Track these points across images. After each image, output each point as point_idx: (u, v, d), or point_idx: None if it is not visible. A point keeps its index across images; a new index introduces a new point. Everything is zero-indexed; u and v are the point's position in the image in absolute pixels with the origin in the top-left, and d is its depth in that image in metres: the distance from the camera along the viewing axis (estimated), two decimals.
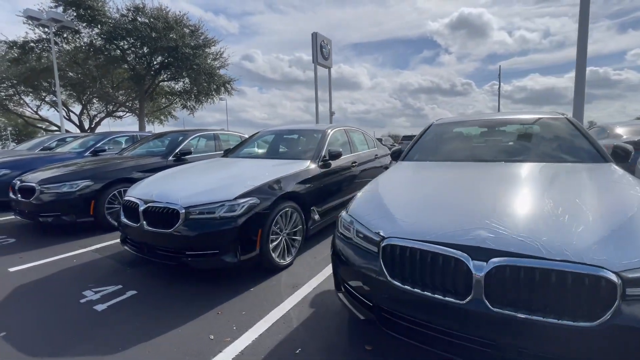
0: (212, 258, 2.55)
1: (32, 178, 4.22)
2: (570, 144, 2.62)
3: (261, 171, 3.18)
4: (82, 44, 17.92)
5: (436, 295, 1.36)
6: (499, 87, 32.10)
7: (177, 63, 17.57)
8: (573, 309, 1.17)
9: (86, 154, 6.46)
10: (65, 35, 17.47)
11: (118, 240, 3.26)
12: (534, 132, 3.04)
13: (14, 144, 48.36)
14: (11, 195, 4.37)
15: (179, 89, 21.49)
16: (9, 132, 47.69)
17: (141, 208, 2.73)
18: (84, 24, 16.89)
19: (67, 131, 22.19)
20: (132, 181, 4.48)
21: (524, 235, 1.33)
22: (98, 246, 3.74)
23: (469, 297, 1.29)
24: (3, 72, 18.08)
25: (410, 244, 1.47)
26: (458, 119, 3.66)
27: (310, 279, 2.78)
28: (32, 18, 14.84)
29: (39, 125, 24.55)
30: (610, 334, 1.12)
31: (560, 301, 1.18)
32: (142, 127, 20.63)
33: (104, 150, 6.63)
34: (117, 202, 4.35)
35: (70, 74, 18.85)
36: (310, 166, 3.55)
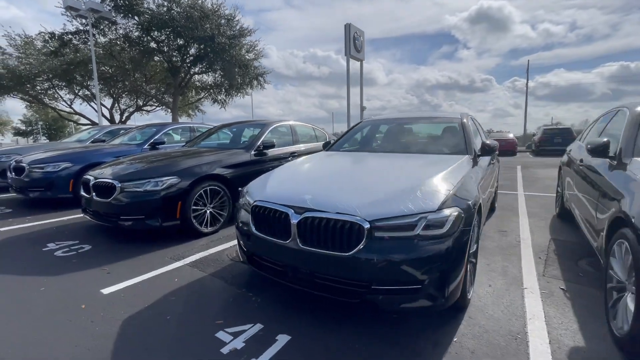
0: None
1: (110, 174, 3.55)
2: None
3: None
4: (118, 35, 17.60)
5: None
6: (527, 83, 30.01)
7: (213, 54, 16.97)
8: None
9: (145, 147, 5.91)
10: (102, 27, 17.11)
11: (213, 250, 3.28)
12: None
13: (45, 138, 49.91)
14: (82, 192, 3.77)
15: (210, 82, 20.94)
16: (39, 126, 49.10)
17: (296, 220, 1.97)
18: (121, 15, 16.46)
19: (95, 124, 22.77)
20: (219, 179, 3.83)
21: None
22: (193, 259, 3.07)
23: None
24: (39, 65, 17.83)
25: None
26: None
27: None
28: (71, 8, 14.55)
29: (70, 120, 24.99)
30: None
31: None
32: (175, 121, 20.40)
33: (163, 143, 6.11)
34: (201, 202, 3.67)
35: (103, 67, 18.67)
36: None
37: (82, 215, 4.03)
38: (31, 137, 50.67)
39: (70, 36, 17.18)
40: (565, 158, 4.31)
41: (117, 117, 24.93)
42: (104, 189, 3.44)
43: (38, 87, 19.77)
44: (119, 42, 17.74)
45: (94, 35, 16.67)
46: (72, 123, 25.54)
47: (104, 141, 7.30)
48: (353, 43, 16.01)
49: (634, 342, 1.58)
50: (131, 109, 25.16)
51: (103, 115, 24.32)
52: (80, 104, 23.74)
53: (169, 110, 26.12)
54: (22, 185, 5.01)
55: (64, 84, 19.91)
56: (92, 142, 7.48)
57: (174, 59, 18.22)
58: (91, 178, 3.63)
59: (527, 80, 30.09)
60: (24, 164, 5.04)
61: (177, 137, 6.87)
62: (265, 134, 4.77)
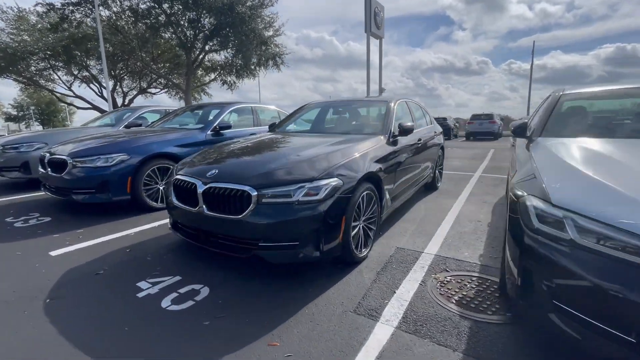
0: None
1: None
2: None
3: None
4: (123, 8, 16.20)
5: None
6: (532, 65, 28.92)
7: (231, 27, 15.49)
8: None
9: (209, 132, 4.73)
10: None
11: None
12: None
13: (37, 123, 47.83)
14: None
15: (221, 62, 19.66)
16: (31, 111, 47.27)
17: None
18: None
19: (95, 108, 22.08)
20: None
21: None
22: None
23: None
24: (34, 42, 16.16)
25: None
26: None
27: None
28: None
29: (65, 103, 23.95)
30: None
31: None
32: (188, 103, 19.01)
33: (229, 127, 4.87)
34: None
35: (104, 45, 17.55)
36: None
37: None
38: (23, 123, 48.64)
39: (71, 7, 15.57)
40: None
41: (119, 101, 24.19)
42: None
43: (33, 68, 18.44)
44: (123, 16, 16.41)
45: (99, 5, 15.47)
46: (66, 107, 24.60)
47: (140, 125, 5.95)
48: (374, 19, 14.68)
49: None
50: (134, 92, 24.27)
51: (103, 97, 23.52)
52: (79, 85, 22.74)
53: (177, 92, 24.78)
54: (62, 185, 3.72)
55: (61, 64, 18.76)
56: (127, 126, 5.95)
57: (188, 33, 16.79)
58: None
59: (532, 62, 28.80)
60: (64, 157, 3.70)
61: (236, 119, 5.60)
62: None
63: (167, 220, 3.59)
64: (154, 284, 2.26)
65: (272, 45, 17.50)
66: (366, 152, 2.72)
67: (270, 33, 17.37)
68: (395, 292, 2.17)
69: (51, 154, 3.83)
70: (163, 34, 17.10)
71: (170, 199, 2.58)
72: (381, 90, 16.71)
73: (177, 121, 5.65)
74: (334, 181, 2.22)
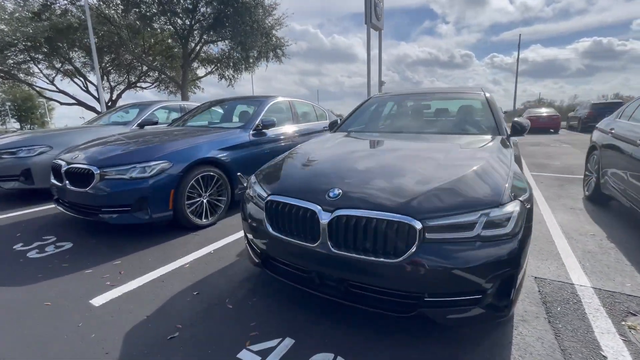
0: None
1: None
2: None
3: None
4: None
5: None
6: (518, 59, 29.25)
7: (234, 17, 14.36)
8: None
9: (252, 132, 4.01)
10: None
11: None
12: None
13: (14, 120, 44.62)
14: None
15: (217, 54, 18.37)
16: (7, 107, 44.17)
17: None
18: None
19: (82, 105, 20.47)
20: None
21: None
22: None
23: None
24: (12, 32, 14.35)
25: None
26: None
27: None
28: None
29: (48, 98, 22.52)
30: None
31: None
32: (185, 98, 17.89)
33: (273, 125, 4.14)
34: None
35: (87, 38, 15.84)
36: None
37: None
38: None
39: None
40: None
41: (105, 96, 22.85)
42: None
43: (10, 61, 16.86)
44: (112, 4, 15.14)
45: None
46: (45, 103, 23.07)
47: (155, 123, 5.24)
48: (374, 10, 14.05)
49: None
50: (121, 86, 22.78)
51: (89, 92, 22.17)
52: (61, 80, 21.10)
53: (168, 86, 23.50)
54: (88, 202, 2.90)
55: (41, 56, 17.26)
56: (140, 125, 5.26)
57: (185, 22, 15.59)
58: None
59: (518, 56, 29.12)
60: (89, 167, 2.88)
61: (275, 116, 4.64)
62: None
63: (222, 244, 2.92)
64: (261, 354, 1.59)
65: (273, 37, 16.53)
66: (511, 158, 2.07)
67: (271, 23, 16.39)
68: (604, 355, 1.57)
69: (69, 162, 3.05)
70: (155, 24, 15.91)
71: (261, 227, 1.85)
72: (381, 83, 16.18)
73: (203, 119, 4.92)
74: (517, 206, 1.54)
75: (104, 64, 20.65)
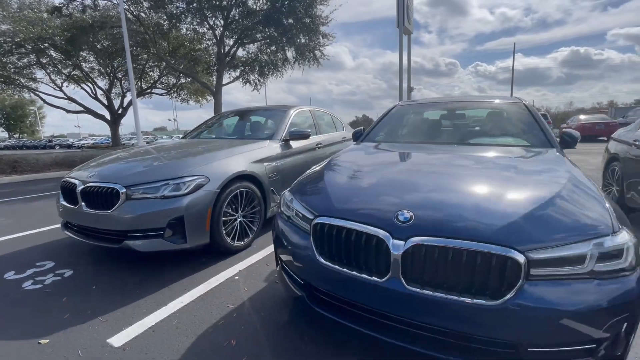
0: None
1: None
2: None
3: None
4: None
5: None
6: (513, 67, 29.99)
7: (286, 12, 13.01)
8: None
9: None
10: None
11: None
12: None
13: (2, 129, 40.88)
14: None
15: (243, 57, 16.64)
16: None
17: None
18: None
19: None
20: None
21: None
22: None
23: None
24: (20, 33, 12.96)
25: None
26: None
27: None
28: None
29: (32, 107, 21.35)
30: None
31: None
32: (218, 107, 16.31)
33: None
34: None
35: (93, 40, 14.62)
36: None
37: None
38: None
39: None
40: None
41: (115, 103, 22.19)
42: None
43: (11, 65, 15.58)
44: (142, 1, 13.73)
45: None
46: (36, 111, 21.90)
47: (307, 136, 3.85)
48: (406, 13, 13.53)
49: None
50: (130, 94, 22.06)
51: (98, 99, 21.12)
52: (67, 86, 20.17)
53: (180, 94, 22.25)
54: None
55: (45, 60, 15.89)
56: (285, 139, 3.73)
57: (219, 20, 14.09)
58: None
59: (513, 64, 29.59)
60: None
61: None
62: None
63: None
64: None
65: (320, 34, 14.61)
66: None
67: (320, 19, 14.43)
68: None
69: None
70: (184, 24, 14.52)
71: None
72: (409, 88, 16.04)
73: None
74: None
75: (115, 68, 19.91)
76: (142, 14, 14.52)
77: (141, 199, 2.41)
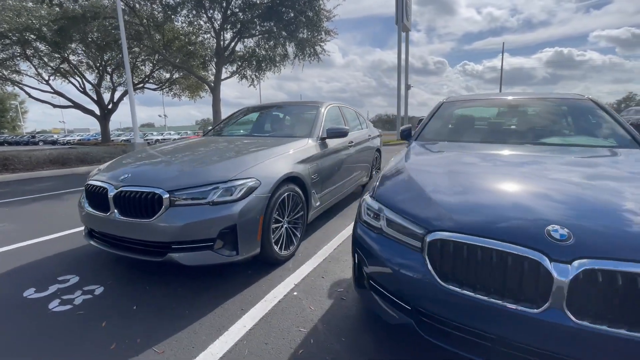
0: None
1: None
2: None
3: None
4: None
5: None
6: (502, 66, 30.63)
7: (289, 5, 12.75)
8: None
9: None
10: None
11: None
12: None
13: None
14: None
15: (240, 51, 16.41)
16: None
17: None
18: None
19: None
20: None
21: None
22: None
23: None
24: (5, 21, 12.25)
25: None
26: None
27: None
28: None
29: (13, 102, 20.75)
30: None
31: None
32: (216, 102, 16.03)
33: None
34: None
35: (75, 33, 13.67)
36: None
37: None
38: None
39: None
40: None
41: (105, 97, 21.36)
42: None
43: None
44: None
45: None
46: (17, 106, 21.24)
47: (345, 134, 3.50)
48: (405, 9, 13.59)
49: None
50: (122, 87, 21.15)
51: (87, 94, 20.41)
52: (53, 79, 19.27)
53: (172, 89, 21.38)
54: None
55: (30, 52, 15.13)
56: (322, 137, 3.45)
57: (217, 12, 13.75)
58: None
59: (502, 62, 29.86)
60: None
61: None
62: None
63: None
64: None
65: (322, 30, 14.41)
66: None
67: (324, 13, 14.18)
68: None
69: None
70: (179, 16, 14.21)
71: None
72: (407, 86, 15.93)
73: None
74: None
75: (105, 62, 19.12)
76: (137, 4, 13.93)
77: (187, 205, 2.10)
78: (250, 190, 2.23)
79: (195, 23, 15.76)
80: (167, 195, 2.09)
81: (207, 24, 15.49)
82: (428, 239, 1.32)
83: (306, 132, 3.46)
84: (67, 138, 41.10)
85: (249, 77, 17.61)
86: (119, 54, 18.06)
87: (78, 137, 40.73)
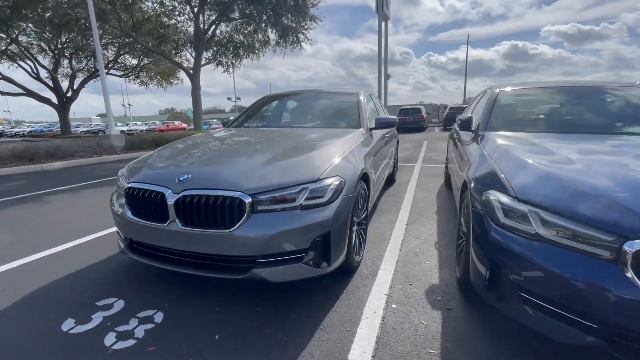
0: None
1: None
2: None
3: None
4: None
5: None
6: (467, 57, 31.71)
7: None
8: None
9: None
10: None
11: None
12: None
13: None
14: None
15: (217, 37, 15.69)
16: None
17: None
18: None
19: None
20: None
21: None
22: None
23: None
24: None
25: None
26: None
27: None
28: None
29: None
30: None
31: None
32: (196, 89, 15.24)
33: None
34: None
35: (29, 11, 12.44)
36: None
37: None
38: None
39: None
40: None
41: (63, 85, 19.28)
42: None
43: None
44: None
45: None
46: None
47: (393, 124, 3.30)
48: None
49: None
50: (81, 74, 19.37)
51: (41, 80, 18.37)
52: (1, 63, 17.26)
53: (138, 76, 19.90)
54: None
55: None
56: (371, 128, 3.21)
57: None
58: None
59: (467, 53, 30.80)
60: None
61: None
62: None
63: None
64: None
65: (307, 16, 14.13)
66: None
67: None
68: None
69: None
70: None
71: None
72: (386, 76, 15.83)
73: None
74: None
75: (62, 45, 17.17)
76: None
77: (273, 210, 1.76)
78: (339, 190, 1.92)
79: (168, 3, 14.57)
80: (250, 200, 1.73)
81: (182, 5, 14.34)
82: (629, 248, 1.13)
83: (355, 122, 3.16)
84: (15, 130, 37.05)
85: (224, 63, 16.75)
86: (78, 35, 16.40)
87: (29, 129, 36.84)
